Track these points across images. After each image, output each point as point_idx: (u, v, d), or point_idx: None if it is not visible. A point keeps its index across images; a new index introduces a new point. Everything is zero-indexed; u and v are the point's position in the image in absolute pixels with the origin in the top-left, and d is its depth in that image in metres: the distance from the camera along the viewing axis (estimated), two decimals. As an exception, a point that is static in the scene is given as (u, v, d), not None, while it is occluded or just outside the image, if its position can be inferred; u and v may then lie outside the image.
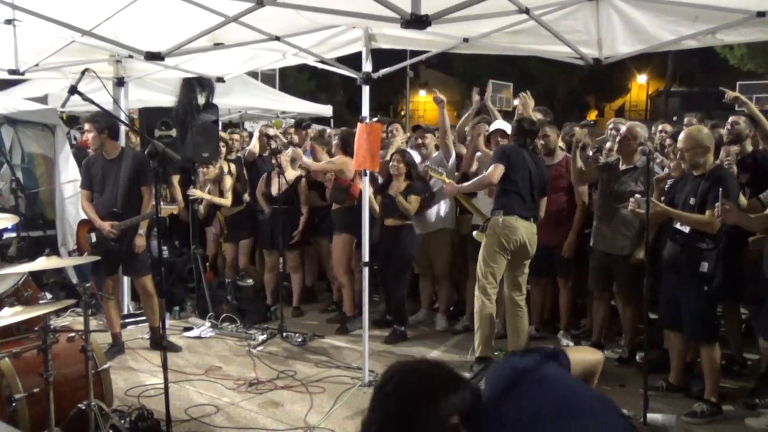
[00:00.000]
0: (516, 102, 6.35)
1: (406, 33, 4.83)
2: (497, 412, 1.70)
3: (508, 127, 5.68)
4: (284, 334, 6.13)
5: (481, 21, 4.66)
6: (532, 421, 1.65)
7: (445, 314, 6.57)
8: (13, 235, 6.27)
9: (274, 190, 6.63)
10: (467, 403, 1.67)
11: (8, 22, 4.95)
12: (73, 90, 4.12)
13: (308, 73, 29.21)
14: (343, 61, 5.74)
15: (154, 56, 4.49)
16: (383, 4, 3.21)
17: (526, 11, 4.08)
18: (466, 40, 5.30)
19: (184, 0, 4.25)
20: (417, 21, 3.22)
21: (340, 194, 6.41)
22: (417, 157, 6.48)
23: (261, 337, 6.05)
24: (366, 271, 5.02)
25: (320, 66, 5.89)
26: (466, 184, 5.61)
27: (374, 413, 1.68)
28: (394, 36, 5.27)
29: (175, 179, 7.28)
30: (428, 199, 6.27)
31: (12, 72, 5.41)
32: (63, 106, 4.45)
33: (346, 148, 6.29)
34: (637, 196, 4.47)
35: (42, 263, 3.97)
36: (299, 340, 6.00)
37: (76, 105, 8.43)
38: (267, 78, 15.61)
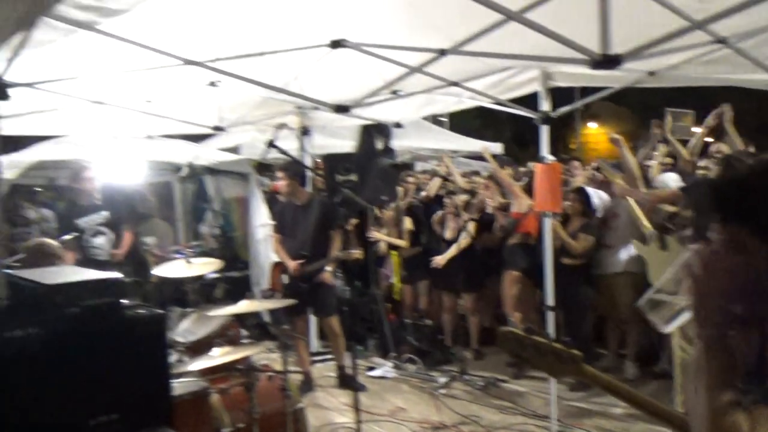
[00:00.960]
0: (698, 129, 5.96)
1: (588, 69, 4.73)
2: None
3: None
4: (466, 376, 6.10)
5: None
6: None
7: (634, 360, 6.21)
8: (216, 275, 6.82)
9: (449, 234, 6.70)
10: None
11: (212, 84, 5.46)
12: (271, 144, 4.48)
13: (475, 110, 29.29)
14: (514, 99, 5.73)
15: (341, 109, 4.73)
16: (571, 46, 3.17)
17: (722, 41, 3.84)
18: (651, 73, 5.07)
19: (369, 54, 4.46)
20: (607, 61, 3.15)
21: (510, 225, 6.33)
22: (601, 195, 6.26)
23: (443, 380, 6.06)
24: (550, 315, 4.89)
25: (497, 107, 5.91)
26: (646, 191, 5.35)
27: None
28: (573, 74, 5.17)
29: (352, 222, 7.57)
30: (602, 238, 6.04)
31: (216, 128, 5.94)
32: (263, 157, 4.78)
33: (528, 189, 6.21)
34: None
35: (245, 306, 4.29)
36: (482, 383, 5.94)
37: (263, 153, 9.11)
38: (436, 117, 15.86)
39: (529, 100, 5.61)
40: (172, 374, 2.74)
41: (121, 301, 2.42)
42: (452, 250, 6.72)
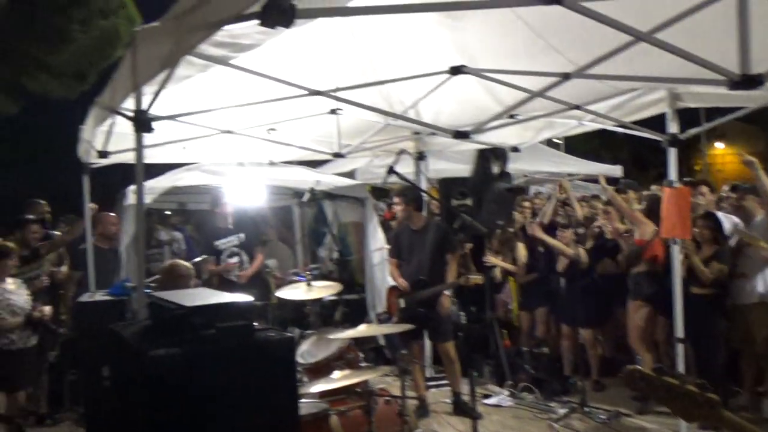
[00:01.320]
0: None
1: (722, 89, 4.50)
2: None
3: None
4: (586, 408, 5.87)
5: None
6: None
7: (774, 398, 5.76)
8: (334, 298, 6.95)
9: (560, 266, 6.54)
10: None
11: (332, 111, 5.63)
12: (391, 170, 4.56)
13: (591, 131, 28.42)
14: (637, 120, 5.51)
15: (461, 134, 4.74)
16: (707, 66, 3.02)
17: None
18: (791, 91, 4.75)
19: (489, 80, 4.45)
20: (747, 81, 2.97)
21: (635, 253, 6.06)
22: (734, 220, 5.89)
23: (561, 411, 5.86)
24: (680, 348, 4.63)
25: (620, 130, 5.73)
26: None
27: None
28: (703, 94, 4.93)
29: (467, 247, 7.51)
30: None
31: (336, 155, 6.10)
32: (383, 183, 4.86)
33: (651, 214, 5.95)
34: None
35: (365, 330, 4.34)
36: (603, 417, 5.70)
37: (379, 177, 9.25)
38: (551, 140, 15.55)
39: (651, 122, 5.41)
40: (299, 396, 2.81)
41: (254, 323, 2.51)
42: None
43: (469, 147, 7.29)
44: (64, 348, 6.66)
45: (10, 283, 5.50)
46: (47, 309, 5.71)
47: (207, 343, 2.35)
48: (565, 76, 3.81)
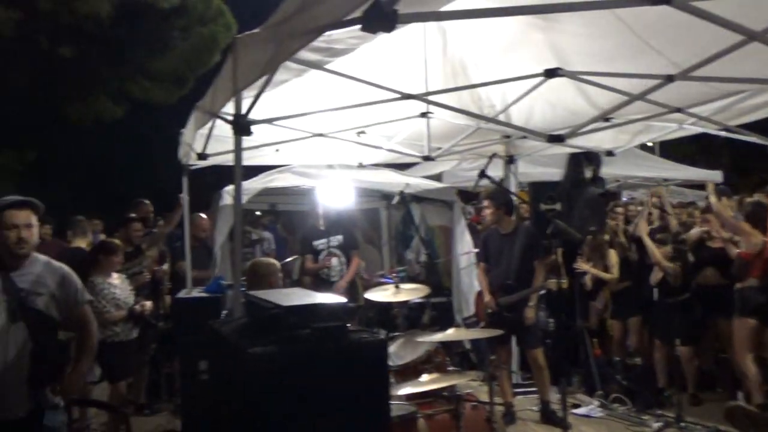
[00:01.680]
0: None
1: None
2: None
3: None
4: (682, 423, 5.61)
5: None
6: None
7: None
8: (420, 301, 6.95)
9: (653, 279, 6.29)
10: None
11: (423, 115, 5.62)
12: (482, 174, 4.51)
13: (688, 135, 27.25)
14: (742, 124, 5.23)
15: (555, 138, 4.64)
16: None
17: None
18: None
19: (586, 82, 4.33)
20: None
21: (742, 268, 5.74)
22: None
23: (655, 425, 5.63)
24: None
25: (722, 134, 5.46)
26: None
27: None
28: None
29: (558, 252, 7.33)
30: None
31: (425, 158, 6.10)
32: (474, 187, 4.82)
33: (756, 222, 5.63)
34: None
35: (452, 334, 4.31)
36: (701, 433, 5.45)
37: (467, 180, 9.19)
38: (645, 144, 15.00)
39: (754, 125, 5.13)
40: (390, 398, 2.81)
41: (347, 325, 2.54)
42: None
43: (560, 151, 7.12)
44: (162, 342, 6.96)
45: (115, 278, 5.77)
46: (149, 304, 5.96)
47: (302, 342, 2.38)
48: (669, 78, 3.66)
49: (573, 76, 4.18)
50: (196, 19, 15.52)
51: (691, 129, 5.68)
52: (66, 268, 3.58)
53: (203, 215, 7.32)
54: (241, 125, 3.44)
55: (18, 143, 17.67)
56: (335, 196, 7.10)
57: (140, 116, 17.60)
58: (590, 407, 6.18)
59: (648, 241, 6.34)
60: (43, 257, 3.53)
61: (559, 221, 4.75)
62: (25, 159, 17.92)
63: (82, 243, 6.62)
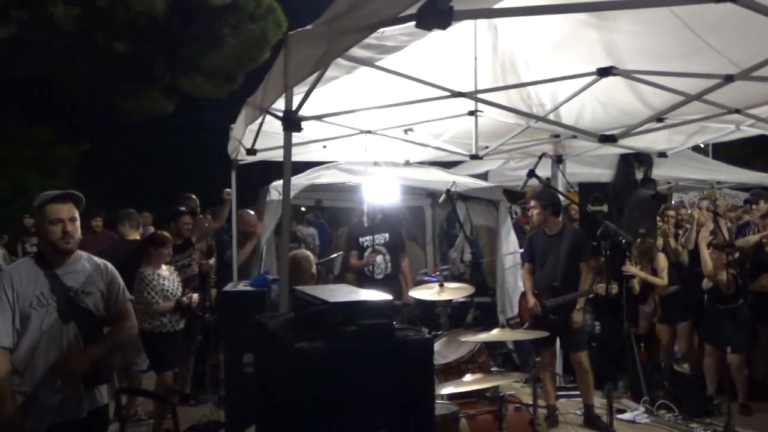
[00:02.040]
0: None
1: None
2: None
3: None
4: (732, 433, 5.47)
5: None
6: None
7: None
8: (464, 300, 6.89)
9: (704, 284, 6.11)
10: None
11: (471, 113, 5.58)
12: (531, 173, 4.45)
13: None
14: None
15: (607, 138, 4.55)
16: None
17: None
18: None
19: (640, 82, 4.24)
20: None
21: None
22: None
23: (704, 433, 5.50)
24: None
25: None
26: None
27: None
28: None
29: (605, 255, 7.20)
30: None
31: (473, 157, 6.05)
32: (523, 187, 4.76)
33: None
34: None
35: (497, 334, 4.27)
36: (751, 443, 5.29)
37: (513, 180, 9.09)
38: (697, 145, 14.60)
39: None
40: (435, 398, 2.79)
41: (393, 322, 2.53)
42: None
43: (609, 151, 6.99)
44: (208, 333, 7.07)
45: (164, 270, 5.88)
46: (196, 296, 6.05)
47: (348, 339, 2.38)
48: (728, 78, 3.54)
49: (627, 75, 4.09)
50: (247, 16, 15.72)
51: (749, 131, 5.52)
52: (110, 265, 3.49)
53: (251, 211, 7.39)
54: (292, 121, 3.45)
55: (73, 137, 18.20)
56: (381, 193, 7.09)
57: (190, 111, 17.94)
58: (636, 413, 6.06)
59: (705, 254, 6.17)
60: (84, 253, 3.43)
61: (610, 223, 4.64)
62: (79, 152, 18.45)
63: (134, 235, 6.75)
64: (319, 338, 2.36)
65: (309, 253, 5.03)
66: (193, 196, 7.63)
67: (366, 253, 7.15)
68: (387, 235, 7.19)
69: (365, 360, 2.38)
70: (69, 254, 3.25)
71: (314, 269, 4.86)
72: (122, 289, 3.49)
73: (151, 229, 7.66)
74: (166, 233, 6.07)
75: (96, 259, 3.46)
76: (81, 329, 3.21)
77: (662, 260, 6.74)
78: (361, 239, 7.23)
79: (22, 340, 3.10)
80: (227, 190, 6.97)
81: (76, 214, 3.23)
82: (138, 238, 6.74)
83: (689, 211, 7.00)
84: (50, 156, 17.66)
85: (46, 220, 3.16)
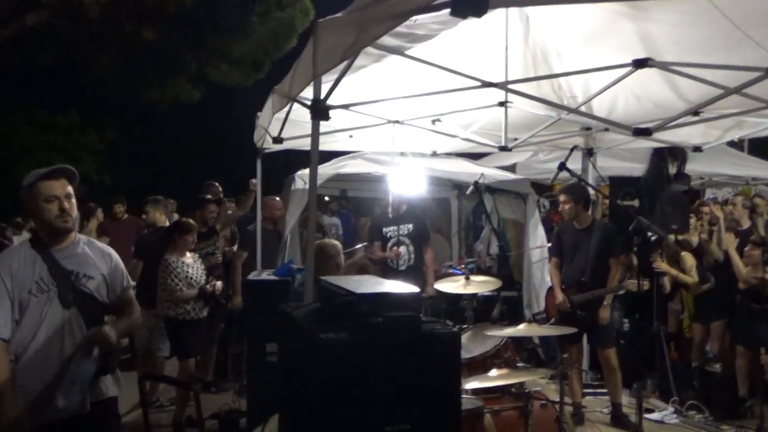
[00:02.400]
0: None
1: None
2: None
3: None
4: (764, 436, 5.40)
5: None
6: None
7: None
8: (490, 294, 6.84)
9: (741, 285, 6.02)
10: None
11: (501, 104, 5.52)
12: (562, 166, 4.40)
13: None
14: None
15: (642, 132, 4.48)
16: None
17: None
18: None
19: (678, 74, 4.16)
20: None
21: None
22: None
23: (735, 435, 5.43)
24: None
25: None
26: None
27: None
28: None
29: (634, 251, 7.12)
30: None
31: (502, 149, 6.00)
32: (553, 180, 4.71)
33: None
34: None
35: (524, 329, 4.24)
36: (784, 447, 5.21)
37: (541, 173, 9.02)
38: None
39: None
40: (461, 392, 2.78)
41: (420, 315, 2.52)
42: None
43: (641, 145, 6.89)
44: (231, 322, 7.12)
45: (189, 257, 5.93)
46: (219, 284, 6.09)
47: (374, 331, 2.38)
48: (769, 72, 3.47)
49: (664, 66, 4.02)
50: (275, 4, 15.74)
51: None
52: (113, 251, 3.31)
53: (276, 198, 7.43)
54: (320, 110, 3.45)
55: (99, 124, 18.44)
56: (406, 184, 7.07)
57: (217, 100, 18.05)
58: (665, 413, 6.00)
59: (735, 257, 6.07)
60: (83, 236, 3.27)
61: (642, 219, 4.58)
62: (105, 139, 18.69)
63: (165, 222, 6.80)
64: (344, 329, 2.36)
65: (336, 242, 5.04)
66: (216, 184, 7.68)
67: (389, 244, 7.14)
68: (411, 225, 7.16)
69: (391, 352, 2.39)
70: (67, 234, 3.07)
71: (341, 259, 4.87)
72: (125, 276, 3.33)
73: (176, 217, 7.73)
74: (191, 220, 6.12)
75: (97, 243, 3.33)
76: (83, 315, 3.03)
77: (689, 259, 6.65)
78: (384, 230, 7.22)
79: (21, 328, 2.92)
80: (253, 180, 7.00)
81: (71, 191, 3.05)
82: (167, 224, 6.81)
83: (713, 209, 6.86)
84: (76, 143, 17.94)
85: (41, 198, 2.96)
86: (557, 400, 4.12)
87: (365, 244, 7.26)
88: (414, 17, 2.37)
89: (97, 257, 3.17)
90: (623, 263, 5.85)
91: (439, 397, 2.45)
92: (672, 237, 6.65)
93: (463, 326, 5.38)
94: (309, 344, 2.45)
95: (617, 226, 5.93)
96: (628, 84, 4.67)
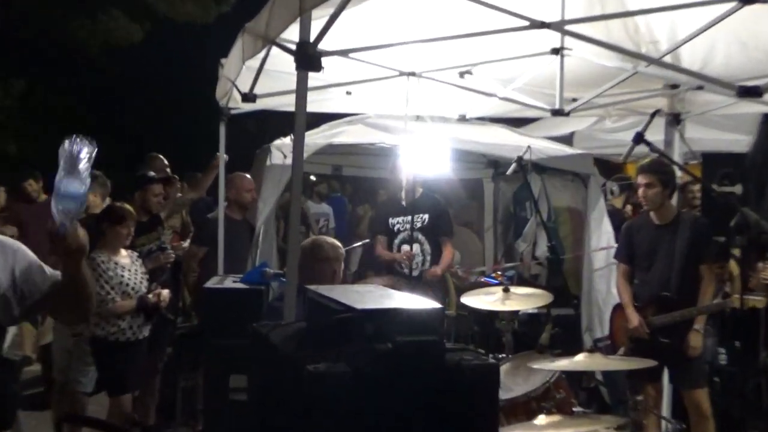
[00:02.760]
0: None
1: None
2: None
3: None
4: None
5: None
6: None
7: None
8: (537, 311, 6.84)
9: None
10: None
11: (555, 51, 5.52)
12: (638, 138, 4.36)
13: None
14: None
15: (749, 92, 4.48)
16: None
17: None
18: None
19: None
20: None
21: None
22: None
23: None
24: None
25: None
26: None
27: None
28: None
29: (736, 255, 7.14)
30: None
31: (555, 113, 6.01)
32: (626, 157, 4.72)
33: None
34: None
35: (583, 361, 4.26)
36: None
37: (608, 146, 9.00)
38: None
39: None
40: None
41: (443, 340, 2.53)
42: None
43: (747, 110, 6.89)
44: (182, 345, 7.14)
45: (124, 257, 5.92)
46: (165, 293, 6.08)
47: (381, 361, 2.38)
48: None
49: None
50: None
51: None
52: (16, 242, 3.24)
53: (246, 175, 7.42)
54: (308, 57, 3.45)
55: (1, 72, 18.39)
56: (424, 159, 7.07)
57: (165, 41, 18.02)
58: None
59: None
60: None
61: (749, 212, 4.54)
62: (10, 93, 18.64)
63: (96, 206, 6.78)
64: (341, 359, 2.37)
65: (337, 243, 5.02)
66: (160, 156, 7.69)
67: (397, 240, 7.14)
68: (426, 216, 7.17)
69: (404, 390, 2.40)
70: None
71: (340, 268, 4.87)
72: (45, 268, 3.19)
73: (108, 200, 7.74)
74: (126, 206, 6.11)
75: None
76: None
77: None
78: (391, 221, 7.23)
79: None
80: (219, 154, 6.98)
81: None
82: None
83: None
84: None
85: None
86: (628, 458, 4.14)
87: (366, 241, 7.28)
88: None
89: None
90: (718, 274, 5.85)
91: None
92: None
93: (501, 356, 5.40)
94: (291, 378, 2.46)
95: (712, 220, 5.93)
96: (730, 26, 4.68)
